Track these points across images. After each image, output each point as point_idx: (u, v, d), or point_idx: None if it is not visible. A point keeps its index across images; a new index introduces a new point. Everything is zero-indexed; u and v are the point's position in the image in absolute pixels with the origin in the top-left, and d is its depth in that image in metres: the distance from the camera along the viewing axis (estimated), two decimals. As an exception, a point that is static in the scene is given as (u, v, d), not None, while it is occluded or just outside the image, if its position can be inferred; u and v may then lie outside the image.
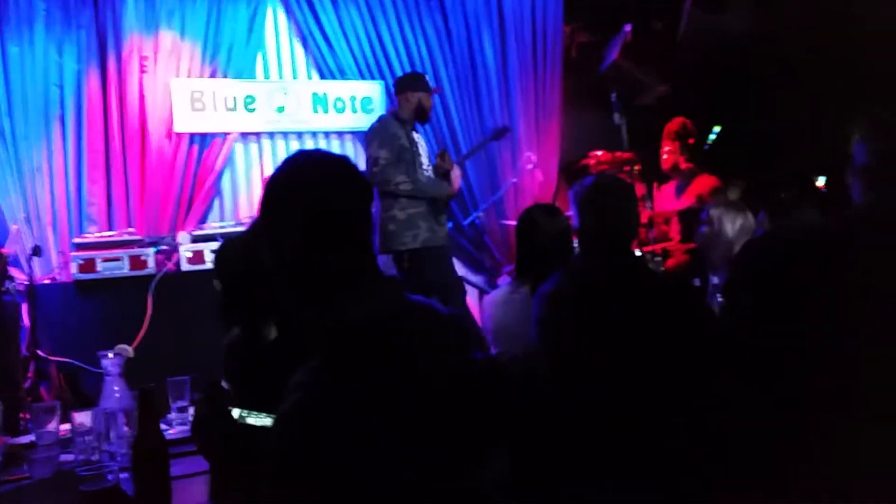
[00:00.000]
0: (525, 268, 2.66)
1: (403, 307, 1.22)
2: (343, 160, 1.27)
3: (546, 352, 2.10)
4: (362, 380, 1.11)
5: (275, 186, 1.23)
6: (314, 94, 5.44)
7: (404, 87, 4.33)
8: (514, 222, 4.85)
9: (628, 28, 5.63)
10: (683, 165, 4.88)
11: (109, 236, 4.19)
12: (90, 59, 4.88)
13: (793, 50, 5.30)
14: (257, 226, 1.36)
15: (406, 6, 5.60)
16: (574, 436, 1.98)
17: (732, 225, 2.99)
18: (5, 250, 3.68)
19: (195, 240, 4.19)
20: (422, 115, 4.31)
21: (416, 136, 4.31)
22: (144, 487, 1.30)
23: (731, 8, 5.45)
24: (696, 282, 3.25)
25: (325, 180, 1.21)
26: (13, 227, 4.42)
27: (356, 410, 1.07)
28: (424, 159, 4.31)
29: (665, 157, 4.92)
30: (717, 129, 5.65)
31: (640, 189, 4.92)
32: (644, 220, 4.72)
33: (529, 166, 5.36)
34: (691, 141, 4.91)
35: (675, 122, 4.94)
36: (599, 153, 5.21)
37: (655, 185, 5.26)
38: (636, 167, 5.02)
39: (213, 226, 4.56)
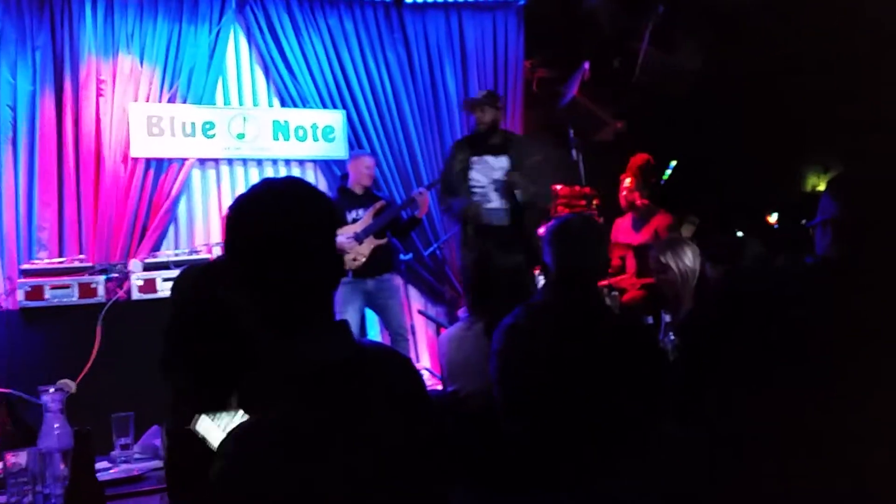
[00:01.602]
0: (479, 304, 2.66)
1: (351, 353, 1.20)
2: (301, 189, 1.24)
3: (500, 384, 2.12)
4: (316, 432, 1.08)
5: (236, 214, 1.21)
6: (275, 122, 5.43)
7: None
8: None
9: (587, 65, 5.75)
10: (639, 202, 4.96)
11: (59, 263, 4.07)
12: (45, 80, 4.81)
13: (744, 86, 5.48)
14: (219, 258, 1.34)
15: (369, 37, 5.64)
16: (526, 470, 2.00)
17: (680, 263, 3.05)
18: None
19: (147, 268, 4.10)
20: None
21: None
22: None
23: (685, 47, 5.61)
24: (650, 319, 3.29)
25: (276, 211, 1.17)
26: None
27: (286, 473, 1.05)
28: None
29: (624, 192, 5.00)
30: (672, 163, 5.79)
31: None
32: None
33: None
34: (652, 179, 5.02)
35: (640, 158, 5.04)
36: (558, 187, 5.28)
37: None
38: (594, 201, 5.10)
39: (166, 253, 4.47)
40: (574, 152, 4.71)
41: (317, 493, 1.06)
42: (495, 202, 4.45)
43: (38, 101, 4.78)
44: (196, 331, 1.54)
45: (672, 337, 3.03)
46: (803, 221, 5.15)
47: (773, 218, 6.17)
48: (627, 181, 5.00)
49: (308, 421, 1.09)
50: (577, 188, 5.15)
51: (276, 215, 1.17)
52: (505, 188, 4.43)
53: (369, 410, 1.14)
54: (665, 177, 5.69)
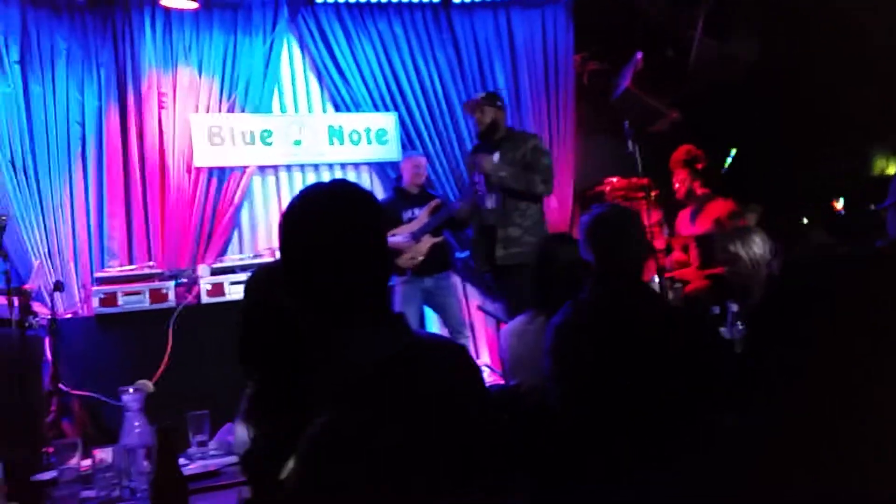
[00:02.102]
0: (540, 298, 2.66)
1: (409, 345, 1.21)
2: (347, 189, 1.26)
3: (554, 382, 2.11)
4: (367, 432, 1.10)
5: (283, 221, 1.24)
6: (330, 127, 5.52)
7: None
8: (529, 251, 4.88)
9: (639, 56, 5.68)
10: (699, 191, 4.87)
11: (130, 270, 4.24)
12: (110, 96, 5.00)
13: (802, 72, 5.32)
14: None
15: (418, 38, 5.68)
16: (584, 465, 1.98)
17: (749, 251, 2.97)
18: (28, 286, 3.74)
19: (214, 272, 4.24)
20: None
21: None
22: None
23: (739, 34, 5.49)
24: (716, 309, 3.23)
25: (330, 212, 1.21)
26: (36, 263, 4.50)
27: (362, 466, 1.07)
28: None
29: (678, 185, 4.92)
30: (733, 152, 5.66)
31: (656, 215, 4.91)
32: (662, 245, 4.72)
33: (545, 194, 5.37)
34: (699, 166, 4.91)
35: (680, 151, 4.95)
36: (614, 180, 5.22)
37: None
38: (653, 193, 5.02)
39: (232, 258, 4.62)
40: (630, 143, 4.64)
41: (383, 487, 1.07)
42: (489, 202, 4.37)
43: (104, 115, 4.97)
44: (262, 331, 1.59)
45: (741, 327, 2.98)
46: (872, 206, 4.97)
47: (839, 203, 5.96)
48: (678, 174, 4.92)
49: (370, 417, 1.10)
50: (634, 180, 5.07)
51: (324, 217, 1.20)
52: (488, 184, 4.34)
53: (426, 402, 1.15)
54: (726, 165, 5.56)
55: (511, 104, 5.78)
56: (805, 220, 5.70)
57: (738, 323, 3.00)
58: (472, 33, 5.79)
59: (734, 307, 3.04)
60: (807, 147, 5.48)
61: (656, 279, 4.62)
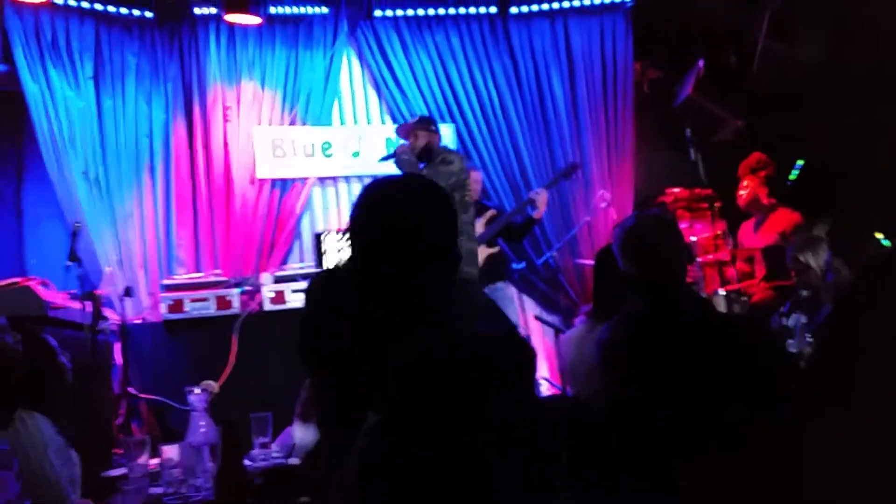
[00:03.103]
0: (602, 306, 2.62)
1: (467, 343, 1.20)
2: (411, 184, 1.25)
3: (607, 398, 2.06)
4: (419, 431, 1.10)
5: (356, 212, 1.25)
6: (388, 139, 5.57)
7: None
8: (589, 261, 4.84)
9: (701, 63, 5.57)
10: (765, 200, 4.75)
11: (197, 278, 4.37)
12: (177, 109, 5.18)
13: (873, 77, 5.12)
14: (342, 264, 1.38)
15: (475, 49, 5.71)
16: (638, 477, 1.93)
17: (820, 261, 2.89)
18: (100, 291, 3.88)
19: (277, 280, 4.33)
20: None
21: None
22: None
23: (804, 37, 5.33)
24: (784, 321, 3.12)
25: (402, 206, 1.21)
26: (106, 270, 4.67)
27: (413, 466, 1.07)
28: None
29: (743, 193, 4.80)
30: (800, 163, 5.48)
31: (720, 226, 4.80)
32: (726, 257, 4.60)
33: (603, 204, 5.32)
34: (764, 174, 4.78)
35: (752, 158, 4.84)
36: (677, 190, 5.13)
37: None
38: (716, 204, 4.91)
39: (293, 267, 4.71)
40: (692, 152, 4.54)
41: (440, 480, 1.07)
42: None
43: (171, 128, 5.15)
44: (321, 332, 1.60)
45: (809, 339, 2.88)
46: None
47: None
48: (745, 182, 4.80)
49: (422, 416, 1.10)
50: (697, 190, 4.96)
51: (396, 210, 1.20)
52: None
53: (478, 401, 1.14)
54: (792, 177, 5.39)
55: (568, 113, 5.74)
56: (880, 236, 5.46)
57: (806, 335, 2.90)
58: (529, 43, 5.78)
59: (802, 319, 2.94)
60: (879, 157, 5.27)
61: (720, 291, 4.51)
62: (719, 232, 4.73)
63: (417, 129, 4.26)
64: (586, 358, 2.58)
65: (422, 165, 4.19)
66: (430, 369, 1.12)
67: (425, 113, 5.58)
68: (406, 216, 1.19)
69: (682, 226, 4.66)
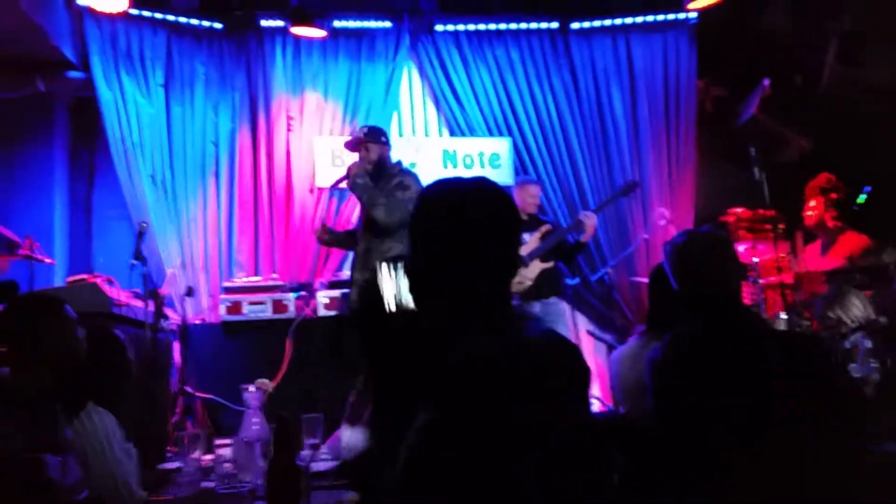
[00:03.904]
0: (657, 323, 2.57)
1: (518, 346, 1.19)
2: (476, 185, 1.24)
3: (658, 418, 2.01)
4: (467, 434, 1.09)
5: (416, 210, 1.25)
6: (444, 151, 5.62)
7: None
8: (645, 279, 4.76)
9: (766, 82, 5.46)
10: (831, 223, 4.61)
11: (255, 281, 4.47)
12: (242, 118, 5.33)
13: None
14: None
15: (535, 64, 5.71)
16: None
17: (849, 315, 2.81)
18: (162, 291, 4.00)
19: (331, 287, 4.39)
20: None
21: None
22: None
23: (874, 61, 5.17)
24: (846, 344, 3.02)
25: (464, 204, 1.21)
26: (169, 271, 4.81)
27: (459, 469, 1.06)
28: None
29: (810, 213, 4.67)
30: (868, 188, 5.30)
31: (783, 247, 4.68)
32: (790, 280, 4.48)
33: (662, 222, 5.23)
34: (834, 196, 4.64)
35: (820, 178, 4.70)
36: (739, 210, 5.01)
37: (800, 244, 5.00)
38: (780, 225, 4.79)
39: (347, 274, 4.75)
40: (756, 172, 4.43)
41: (486, 483, 1.06)
42: (360, 242, 4.06)
43: (237, 136, 5.30)
44: (374, 331, 1.61)
45: (873, 364, 2.78)
46: None
47: None
48: (812, 202, 4.66)
49: (470, 419, 1.09)
50: (761, 211, 4.84)
51: (457, 210, 1.20)
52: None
53: (533, 402, 1.13)
54: (860, 200, 5.21)
55: (629, 130, 5.69)
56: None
57: (871, 360, 2.80)
58: (590, 58, 5.76)
59: (866, 343, 2.84)
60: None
61: (782, 315, 4.38)
62: (782, 254, 4.60)
63: (368, 141, 4.07)
64: (639, 375, 2.54)
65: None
66: (486, 372, 1.12)
67: (482, 125, 5.61)
68: (471, 216, 1.19)
69: (745, 247, 4.54)
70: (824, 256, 4.62)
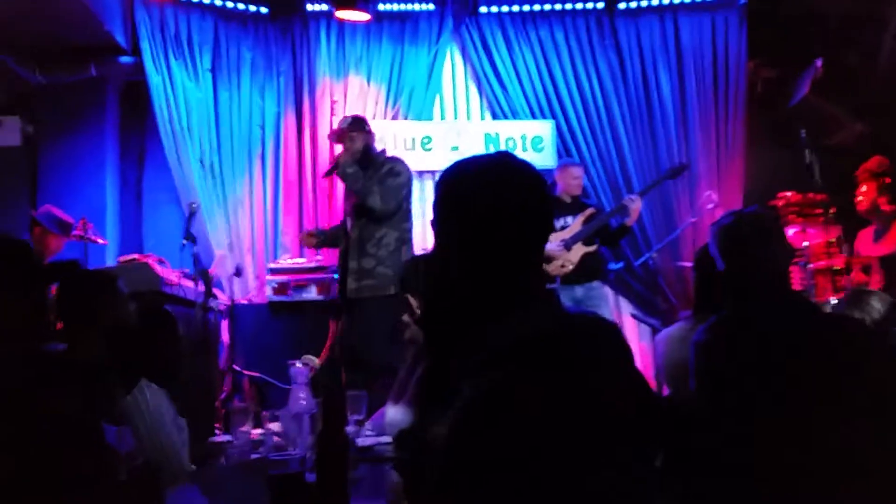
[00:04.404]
0: (705, 304, 2.53)
1: (557, 324, 1.18)
2: (502, 161, 1.22)
3: (702, 404, 1.98)
4: (515, 413, 1.08)
5: (440, 191, 1.24)
6: (486, 134, 5.60)
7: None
8: (691, 264, 4.69)
9: (819, 62, 5.30)
10: (885, 207, 4.46)
11: (300, 263, 4.54)
12: (287, 102, 5.40)
13: None
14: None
15: (580, 46, 5.64)
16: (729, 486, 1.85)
17: (869, 317, 2.71)
18: (212, 271, 4.09)
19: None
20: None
21: None
22: (326, 477, 1.37)
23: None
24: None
25: (489, 183, 1.18)
26: (217, 252, 4.91)
27: (507, 449, 1.06)
28: None
29: (861, 198, 4.53)
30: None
31: (834, 232, 4.56)
32: (840, 264, 4.37)
33: (710, 206, 5.13)
34: (888, 180, 4.50)
35: (872, 161, 4.55)
36: (789, 194, 4.90)
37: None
38: (831, 210, 4.66)
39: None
40: (807, 155, 4.32)
41: (524, 466, 1.06)
42: (350, 229, 4.05)
43: (282, 120, 5.37)
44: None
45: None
46: None
47: None
48: (864, 187, 4.52)
49: (522, 392, 1.09)
50: (811, 195, 4.72)
51: (483, 189, 1.17)
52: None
53: (579, 379, 1.12)
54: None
55: (676, 112, 5.59)
56: None
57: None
58: (637, 39, 5.66)
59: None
60: None
61: (832, 300, 4.27)
62: (833, 238, 4.49)
63: (352, 131, 4.05)
64: (686, 358, 2.51)
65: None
66: (535, 343, 1.11)
67: (525, 108, 5.57)
68: (497, 195, 1.17)
69: (794, 231, 4.44)
70: (878, 243, 4.49)
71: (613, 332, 1.24)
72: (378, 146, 5.30)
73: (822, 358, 1.84)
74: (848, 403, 1.78)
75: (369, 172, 3.97)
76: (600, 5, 5.63)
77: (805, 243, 4.41)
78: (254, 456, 2.03)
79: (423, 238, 5.37)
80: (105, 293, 2.05)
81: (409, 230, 4.11)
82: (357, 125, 4.09)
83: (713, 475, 1.90)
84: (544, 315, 1.18)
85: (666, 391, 2.60)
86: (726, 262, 2.05)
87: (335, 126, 4.35)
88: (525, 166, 1.24)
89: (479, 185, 1.19)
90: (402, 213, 4.03)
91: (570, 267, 4.50)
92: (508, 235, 1.17)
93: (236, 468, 1.82)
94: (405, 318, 2.27)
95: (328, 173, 4.33)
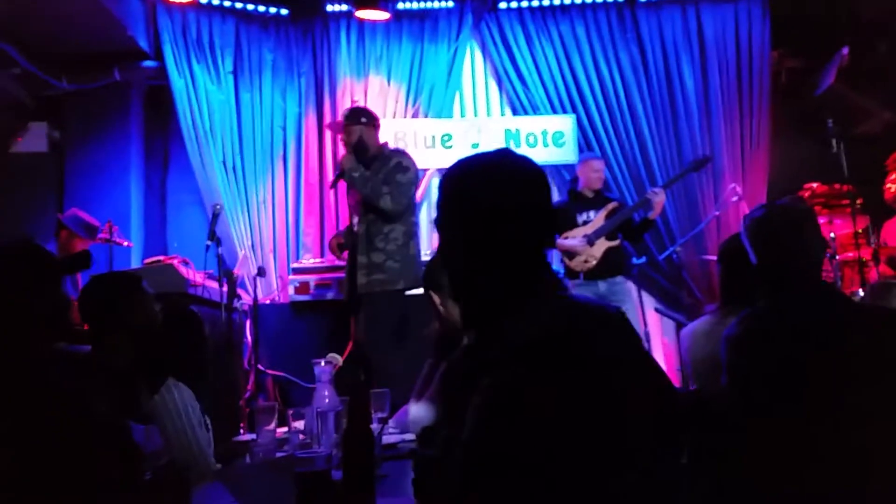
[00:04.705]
0: (732, 298, 2.50)
1: (571, 320, 1.17)
2: (503, 158, 1.23)
3: (735, 398, 1.95)
4: (525, 401, 1.08)
5: (444, 190, 1.24)
6: (507, 131, 5.58)
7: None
8: (715, 257, 4.64)
9: (846, 51, 5.20)
10: (912, 197, 4.38)
11: (322, 262, 4.56)
12: (308, 102, 5.43)
13: None
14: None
15: (601, 39, 5.60)
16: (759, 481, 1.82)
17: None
18: (235, 271, 4.12)
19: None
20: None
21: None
22: (352, 474, 1.37)
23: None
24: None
25: (490, 181, 1.19)
26: (241, 253, 4.96)
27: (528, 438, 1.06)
28: None
29: (891, 187, 4.44)
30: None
31: (862, 223, 4.47)
32: (868, 256, 4.29)
33: (734, 198, 5.07)
34: None
35: None
36: (815, 185, 4.82)
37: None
38: (858, 201, 4.58)
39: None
40: (834, 145, 4.24)
41: (553, 463, 1.05)
42: (356, 225, 3.96)
43: (303, 121, 5.40)
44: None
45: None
46: None
47: None
48: (893, 176, 4.43)
49: (533, 392, 1.08)
50: (838, 186, 4.64)
51: (484, 186, 1.19)
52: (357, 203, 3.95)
53: (592, 377, 1.11)
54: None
55: (699, 104, 5.52)
56: None
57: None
58: (659, 31, 5.60)
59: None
60: None
61: (859, 292, 4.20)
62: (860, 230, 4.40)
63: (347, 124, 3.96)
64: (714, 351, 2.48)
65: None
66: (544, 345, 1.11)
67: (546, 103, 5.55)
68: (500, 192, 1.17)
69: (821, 222, 4.36)
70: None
71: (622, 321, 1.23)
72: (399, 144, 5.37)
73: (859, 350, 1.81)
74: (883, 400, 1.74)
75: (375, 166, 3.88)
76: (621, -1, 5.59)
77: (832, 235, 4.34)
78: (279, 454, 2.03)
79: (431, 231, 5.38)
80: (130, 294, 2.06)
81: (416, 223, 4.08)
82: (354, 117, 3.98)
83: (746, 472, 1.88)
84: (556, 310, 1.18)
85: (693, 387, 2.57)
86: (759, 254, 2.02)
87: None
88: (526, 162, 1.24)
89: (481, 184, 1.20)
90: (409, 208, 4.00)
91: (594, 262, 4.47)
92: (513, 232, 1.18)
93: (262, 466, 1.83)
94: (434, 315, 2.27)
95: (335, 182, 4.22)
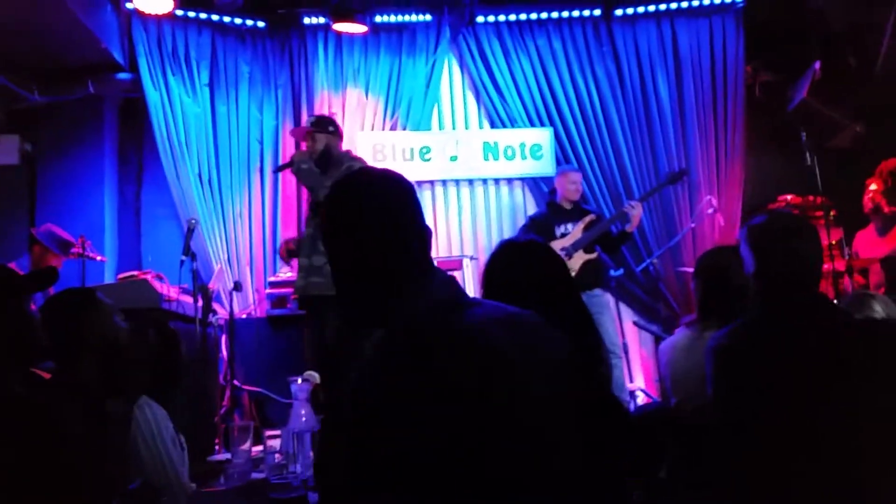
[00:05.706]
0: (710, 313, 2.50)
1: (461, 298, 1.27)
2: (360, 175, 1.38)
3: (721, 411, 1.94)
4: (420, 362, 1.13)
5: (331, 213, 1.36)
6: (485, 143, 5.59)
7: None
8: (692, 269, 4.67)
9: (818, 65, 5.28)
10: (887, 209, 4.43)
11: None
12: (286, 115, 5.39)
13: None
14: None
15: (577, 52, 5.64)
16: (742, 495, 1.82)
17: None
18: (211, 286, 4.06)
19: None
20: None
21: None
22: (329, 499, 1.34)
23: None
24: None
25: (344, 200, 1.34)
26: (216, 267, 4.89)
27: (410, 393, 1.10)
28: None
29: (870, 195, 4.50)
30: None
31: (835, 235, 4.53)
32: (842, 267, 4.34)
33: (710, 210, 5.12)
34: (890, 183, 4.47)
35: (893, 162, 4.51)
36: (789, 197, 4.88)
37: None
38: (831, 213, 4.63)
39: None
40: (808, 158, 4.30)
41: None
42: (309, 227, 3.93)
43: (280, 134, 5.35)
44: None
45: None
46: None
47: None
48: (874, 185, 4.49)
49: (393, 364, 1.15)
50: (811, 198, 4.70)
51: (351, 203, 1.33)
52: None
53: (432, 361, 1.14)
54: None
55: (674, 117, 5.58)
56: None
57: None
58: (634, 45, 5.66)
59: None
60: None
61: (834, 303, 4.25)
62: (834, 241, 4.46)
63: (315, 131, 3.93)
64: (693, 366, 2.47)
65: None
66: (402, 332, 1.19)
67: (523, 116, 5.56)
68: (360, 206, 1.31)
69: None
70: (883, 238, 4.46)
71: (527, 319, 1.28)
72: (377, 157, 5.35)
73: (855, 361, 1.81)
74: (883, 405, 1.74)
75: (330, 172, 3.80)
76: (597, 12, 5.63)
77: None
78: (254, 475, 1.99)
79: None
80: (86, 310, 2.01)
81: None
82: (320, 125, 3.97)
83: (737, 482, 1.87)
84: (430, 304, 1.26)
85: (673, 401, 2.56)
86: (758, 260, 2.01)
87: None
88: (382, 174, 1.39)
89: (345, 199, 1.36)
90: None
91: (572, 275, 4.47)
92: (375, 233, 1.30)
93: (238, 491, 1.79)
94: None
95: (279, 168, 4.31)
